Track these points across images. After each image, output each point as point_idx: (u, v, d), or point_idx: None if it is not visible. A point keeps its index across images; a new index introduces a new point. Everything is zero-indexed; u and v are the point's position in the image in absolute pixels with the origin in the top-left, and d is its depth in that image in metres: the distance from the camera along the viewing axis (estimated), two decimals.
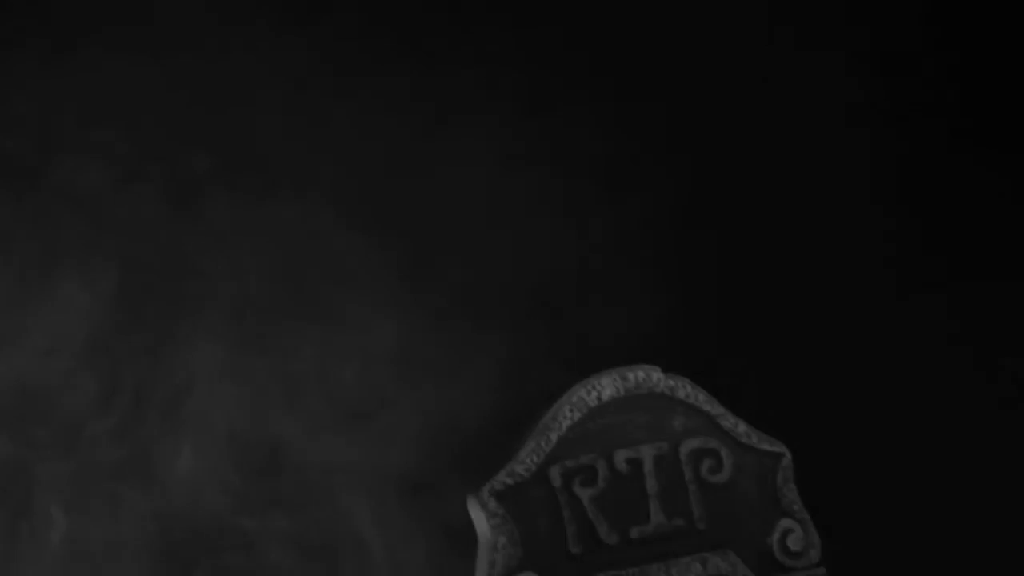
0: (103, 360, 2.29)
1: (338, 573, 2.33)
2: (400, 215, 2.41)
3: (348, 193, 2.42)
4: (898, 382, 2.61)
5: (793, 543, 2.06)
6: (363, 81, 2.40)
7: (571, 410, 2.00)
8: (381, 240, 2.40)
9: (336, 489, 2.35)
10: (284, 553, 2.31)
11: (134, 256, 2.31)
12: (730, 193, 2.56)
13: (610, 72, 2.55)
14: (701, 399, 2.06)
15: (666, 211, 2.52)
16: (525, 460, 1.97)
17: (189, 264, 2.33)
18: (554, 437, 1.98)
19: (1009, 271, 2.73)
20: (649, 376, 2.04)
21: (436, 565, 2.35)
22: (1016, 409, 2.71)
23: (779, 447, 2.09)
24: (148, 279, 2.32)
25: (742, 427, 2.08)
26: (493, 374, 2.38)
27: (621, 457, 2.01)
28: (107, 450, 2.29)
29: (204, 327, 2.31)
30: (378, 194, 2.43)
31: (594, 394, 2.01)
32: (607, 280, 2.47)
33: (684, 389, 2.06)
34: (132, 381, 2.29)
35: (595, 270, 2.47)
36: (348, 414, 2.37)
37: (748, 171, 2.58)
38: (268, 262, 2.40)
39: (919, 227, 2.70)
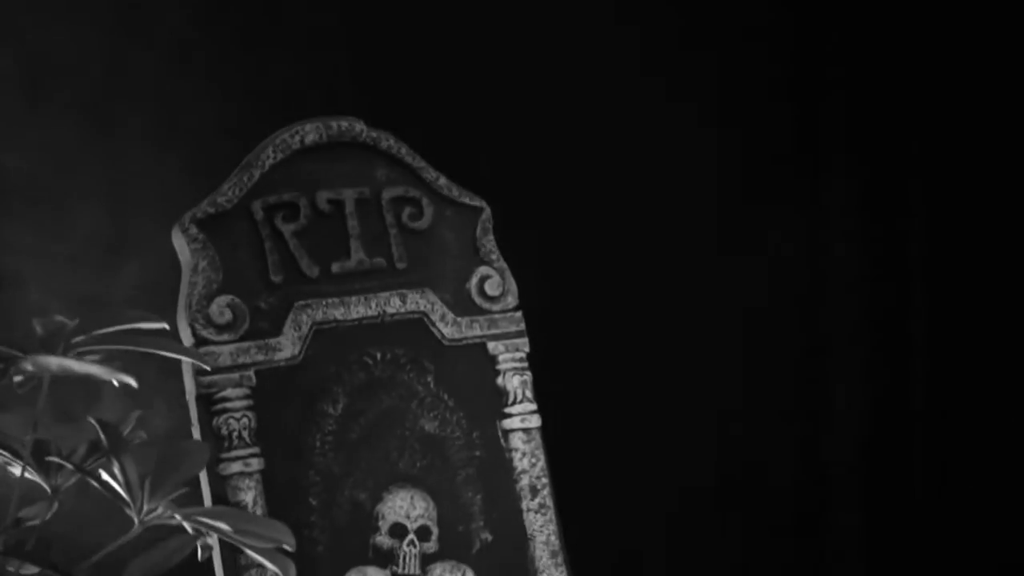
0: None
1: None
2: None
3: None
4: (599, 139, 2.61)
5: (491, 288, 2.16)
6: None
7: (274, 151, 2.06)
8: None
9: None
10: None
11: None
12: None
13: None
14: (403, 152, 2.15)
15: None
16: (227, 193, 2.02)
17: None
18: (256, 174, 2.04)
19: None
20: (352, 126, 2.12)
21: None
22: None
23: (479, 201, 2.19)
24: None
25: (443, 180, 2.17)
26: None
27: (323, 198, 2.08)
28: None
29: None
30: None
31: (297, 138, 2.08)
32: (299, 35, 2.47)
33: (387, 141, 2.14)
34: None
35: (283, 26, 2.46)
36: (85, 255, 2.39)
37: None
38: None
39: None
